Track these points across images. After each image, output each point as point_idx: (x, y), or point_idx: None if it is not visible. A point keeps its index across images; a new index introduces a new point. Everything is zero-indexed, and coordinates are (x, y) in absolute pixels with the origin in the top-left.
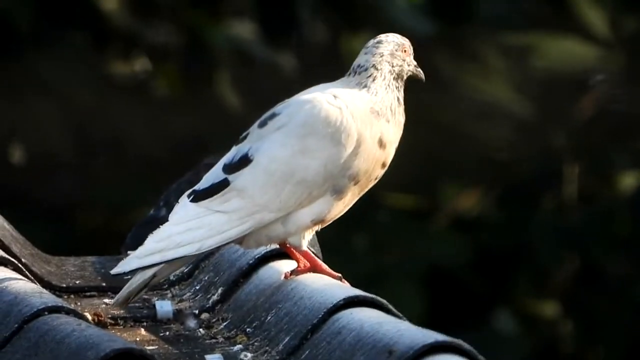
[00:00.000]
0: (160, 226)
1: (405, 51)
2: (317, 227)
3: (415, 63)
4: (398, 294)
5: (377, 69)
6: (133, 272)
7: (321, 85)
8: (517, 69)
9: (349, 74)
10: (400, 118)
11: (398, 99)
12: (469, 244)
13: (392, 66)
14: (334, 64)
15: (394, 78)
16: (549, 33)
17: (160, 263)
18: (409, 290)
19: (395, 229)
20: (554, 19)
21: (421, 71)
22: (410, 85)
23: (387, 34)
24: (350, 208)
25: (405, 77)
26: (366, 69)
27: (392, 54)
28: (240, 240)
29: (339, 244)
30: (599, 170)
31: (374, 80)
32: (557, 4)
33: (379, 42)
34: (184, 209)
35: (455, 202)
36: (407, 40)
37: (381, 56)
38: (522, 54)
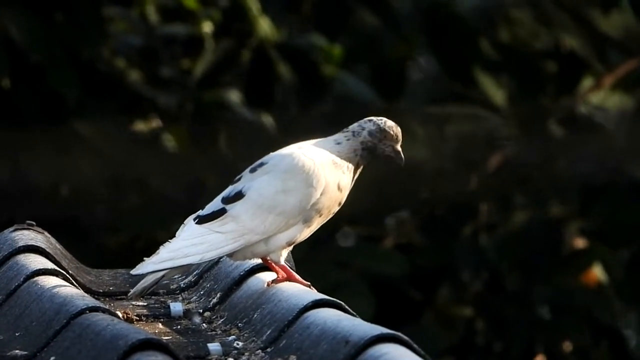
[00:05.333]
0: (170, 240)
1: (385, 136)
2: (290, 247)
3: (398, 149)
4: (354, 299)
5: (354, 136)
6: (148, 273)
7: (298, 144)
8: (438, 131)
9: (340, 132)
10: (353, 175)
11: (358, 163)
12: (407, 262)
13: (365, 139)
14: (302, 126)
15: (362, 148)
16: (462, 105)
17: (170, 268)
18: (362, 296)
19: (352, 250)
20: (466, 95)
21: (402, 157)
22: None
23: (381, 119)
24: (319, 234)
25: (377, 154)
26: (348, 132)
27: (371, 132)
28: (231, 255)
29: (311, 262)
30: (502, 208)
31: (347, 140)
32: (468, 83)
33: (369, 120)
34: (190, 229)
35: (397, 231)
36: (395, 129)
37: (362, 129)
38: (442, 121)
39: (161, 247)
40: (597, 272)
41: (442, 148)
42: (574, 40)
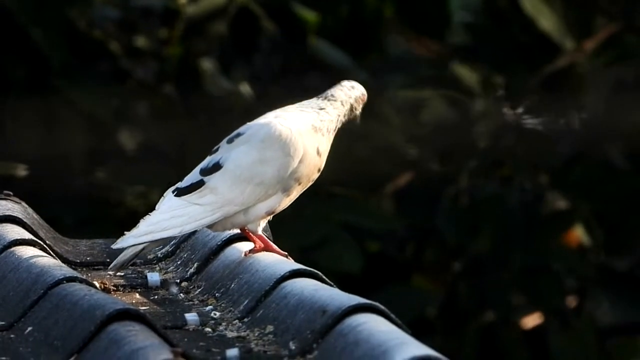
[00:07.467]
0: (150, 214)
1: (363, 100)
2: (270, 217)
3: (360, 110)
4: (342, 253)
5: (342, 105)
6: (129, 247)
7: (276, 111)
8: (414, 114)
9: (320, 97)
10: (331, 137)
11: (336, 127)
12: (397, 219)
13: (351, 105)
14: (282, 94)
15: (345, 114)
16: (435, 90)
17: (150, 242)
18: (350, 251)
19: (341, 204)
20: (440, 79)
21: (358, 118)
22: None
23: (358, 84)
24: (306, 192)
25: (351, 116)
26: (336, 101)
27: (356, 99)
28: (210, 226)
29: (298, 217)
30: (482, 176)
31: (334, 108)
32: (442, 67)
33: (353, 87)
34: (169, 201)
35: (385, 193)
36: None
37: (349, 97)
38: (417, 104)
39: (141, 221)
40: (579, 233)
41: (420, 129)
42: (546, 18)
